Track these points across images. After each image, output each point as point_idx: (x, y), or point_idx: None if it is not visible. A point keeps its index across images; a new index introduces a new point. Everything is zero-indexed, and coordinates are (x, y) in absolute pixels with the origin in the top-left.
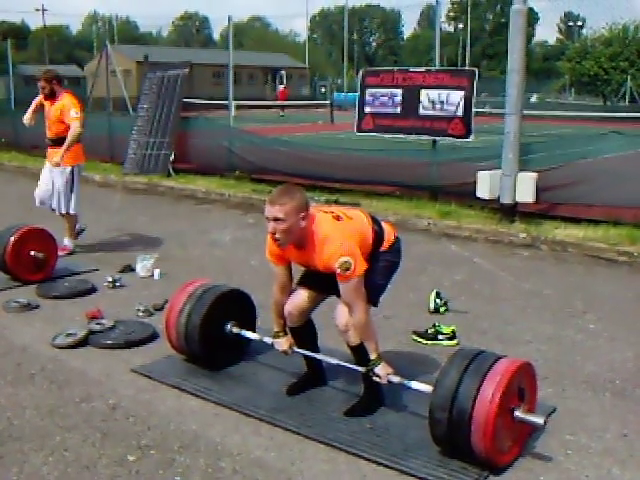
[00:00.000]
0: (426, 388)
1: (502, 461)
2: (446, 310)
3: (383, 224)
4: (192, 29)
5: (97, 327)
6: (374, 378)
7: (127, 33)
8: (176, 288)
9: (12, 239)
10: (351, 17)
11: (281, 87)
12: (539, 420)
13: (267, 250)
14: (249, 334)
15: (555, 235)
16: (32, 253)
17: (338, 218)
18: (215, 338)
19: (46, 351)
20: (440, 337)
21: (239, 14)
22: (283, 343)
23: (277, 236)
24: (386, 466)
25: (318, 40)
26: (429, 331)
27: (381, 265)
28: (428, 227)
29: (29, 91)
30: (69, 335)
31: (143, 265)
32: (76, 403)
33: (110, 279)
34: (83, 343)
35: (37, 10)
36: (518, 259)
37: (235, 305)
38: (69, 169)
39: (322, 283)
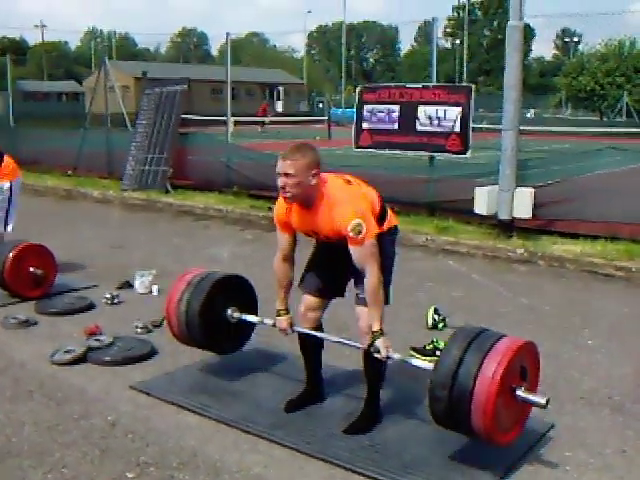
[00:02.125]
0: (427, 365)
1: (503, 440)
2: (444, 326)
3: (387, 207)
4: (190, 45)
5: (96, 344)
6: (375, 354)
7: (125, 49)
8: None
9: (11, 255)
10: (349, 33)
11: (263, 103)
12: (541, 400)
13: (275, 216)
14: (249, 317)
15: (553, 251)
16: (31, 269)
17: (349, 182)
18: (216, 323)
19: (45, 368)
20: (438, 353)
21: (237, 30)
22: (284, 321)
23: (286, 190)
24: None
25: (316, 56)
26: (427, 347)
27: (385, 255)
28: (426, 243)
29: (28, 107)
30: (68, 352)
31: (141, 281)
32: (75, 420)
33: (108, 295)
34: (82, 360)
35: (36, 26)
36: (516, 275)
37: (235, 290)
38: (7, 185)
39: (328, 282)
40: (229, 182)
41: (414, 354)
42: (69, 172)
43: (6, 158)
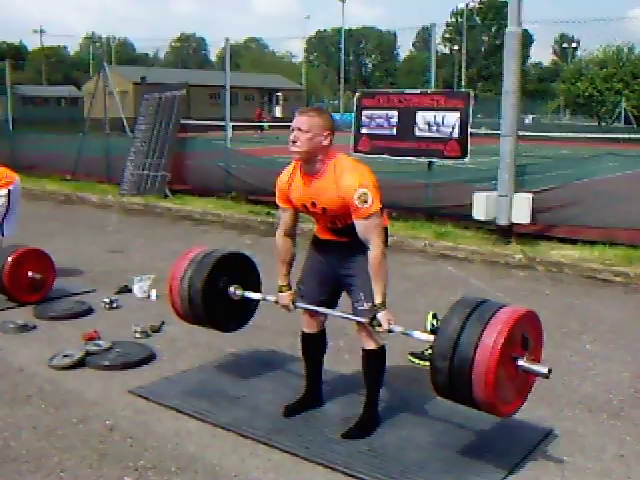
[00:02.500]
0: (428, 337)
1: (505, 411)
2: None
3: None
4: (189, 50)
5: (94, 348)
6: (377, 328)
7: (124, 54)
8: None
9: (9, 260)
10: (347, 39)
11: (258, 108)
12: (543, 369)
13: (277, 189)
14: (252, 294)
15: (551, 256)
16: (29, 274)
17: (357, 160)
18: (219, 300)
19: (43, 372)
20: None
21: (236, 36)
22: (286, 297)
23: (297, 144)
24: None
25: (314, 61)
26: (425, 352)
27: None
28: (424, 248)
29: (27, 111)
30: (66, 356)
31: (140, 286)
32: (73, 424)
33: (107, 300)
34: (80, 364)
35: (35, 31)
36: (514, 280)
37: (238, 268)
38: (4, 192)
39: (324, 294)
40: (228, 187)
41: (413, 360)
42: (68, 177)
43: (0, 168)
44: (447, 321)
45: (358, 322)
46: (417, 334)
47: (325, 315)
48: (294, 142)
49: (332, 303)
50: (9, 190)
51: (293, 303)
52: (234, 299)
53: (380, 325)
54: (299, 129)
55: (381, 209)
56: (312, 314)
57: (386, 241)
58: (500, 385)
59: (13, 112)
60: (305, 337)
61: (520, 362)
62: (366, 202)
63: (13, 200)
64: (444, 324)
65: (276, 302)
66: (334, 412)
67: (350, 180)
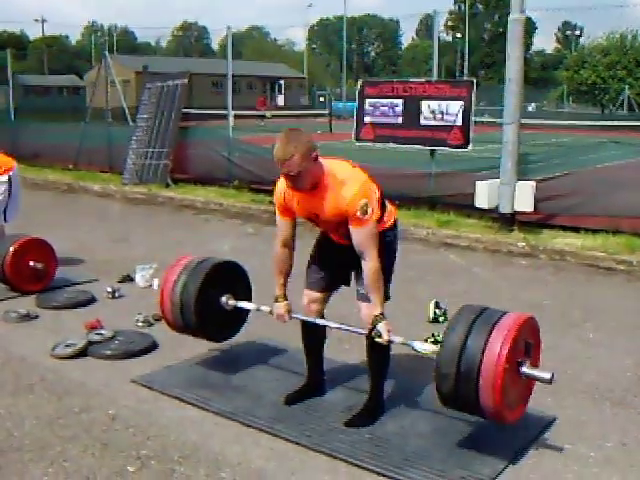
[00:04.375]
0: (431, 348)
1: (511, 418)
2: (445, 320)
3: (387, 201)
4: (191, 39)
5: (97, 337)
6: (376, 339)
7: (126, 43)
8: None
9: (12, 249)
10: (350, 27)
11: (260, 96)
12: (546, 375)
13: (275, 199)
14: (245, 304)
15: (554, 244)
16: (31, 263)
17: (353, 166)
18: (210, 309)
19: (45, 361)
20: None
21: (237, 24)
22: (281, 307)
23: (293, 186)
24: (386, 476)
25: (317, 50)
26: (428, 341)
27: (387, 248)
28: (427, 236)
29: (29, 101)
30: (68, 345)
31: (142, 275)
32: (76, 413)
33: (109, 289)
34: (83, 353)
35: (36, 20)
36: (517, 268)
37: (230, 277)
38: (4, 178)
39: (331, 277)
40: (230, 176)
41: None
42: (70, 166)
43: None
44: (452, 328)
45: (360, 310)
46: (418, 345)
47: (324, 304)
48: (292, 186)
49: (341, 280)
50: (9, 176)
51: (289, 313)
52: (226, 309)
53: (380, 336)
54: (288, 174)
55: (383, 230)
56: (310, 304)
57: (395, 228)
58: (506, 392)
59: (15, 102)
60: (305, 326)
61: (524, 368)
62: (366, 213)
63: (14, 187)
64: (449, 331)
65: (270, 313)
66: (336, 401)
67: (350, 192)
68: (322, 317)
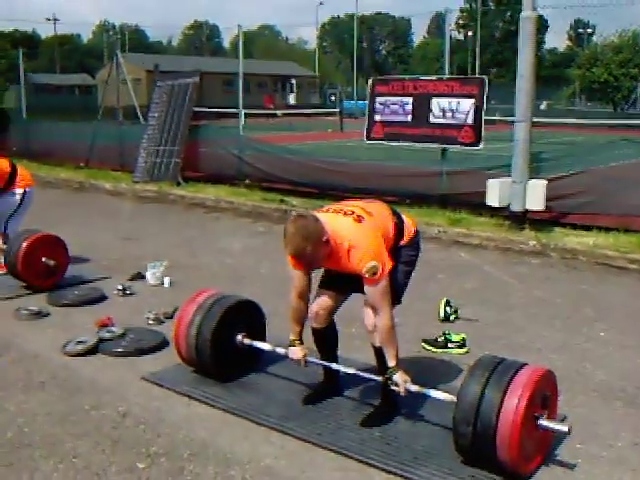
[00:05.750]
0: (446, 397)
1: (527, 470)
2: (456, 318)
3: (403, 217)
4: (202, 38)
5: (107, 335)
6: (392, 387)
7: (137, 42)
8: (186, 296)
9: (24, 245)
10: (361, 25)
11: (267, 95)
12: (563, 428)
13: (289, 256)
14: (261, 344)
15: (565, 243)
16: (43, 260)
17: (359, 219)
18: (226, 350)
19: (57, 359)
20: (450, 345)
21: (248, 23)
22: (298, 352)
23: (309, 268)
24: (396, 474)
25: (328, 48)
26: (439, 339)
27: (403, 261)
28: (438, 235)
29: (40, 100)
30: (79, 343)
31: (153, 273)
32: (86, 410)
33: (120, 287)
34: (93, 351)
35: (48, 19)
36: (528, 267)
37: (245, 316)
38: (20, 191)
39: (344, 283)
40: (241, 174)
41: (426, 346)
42: (82, 164)
43: (20, 170)
44: (467, 385)
45: (364, 318)
46: (434, 393)
47: (338, 305)
48: (306, 268)
49: (352, 289)
50: (25, 191)
51: (305, 357)
52: (240, 348)
53: (397, 385)
54: (302, 264)
55: (400, 246)
56: (321, 310)
57: (417, 246)
58: (523, 446)
59: (27, 101)
60: (315, 332)
61: (541, 421)
62: (375, 273)
63: (26, 202)
64: (464, 388)
65: (286, 356)
66: (346, 399)
67: (357, 258)
68: (332, 320)
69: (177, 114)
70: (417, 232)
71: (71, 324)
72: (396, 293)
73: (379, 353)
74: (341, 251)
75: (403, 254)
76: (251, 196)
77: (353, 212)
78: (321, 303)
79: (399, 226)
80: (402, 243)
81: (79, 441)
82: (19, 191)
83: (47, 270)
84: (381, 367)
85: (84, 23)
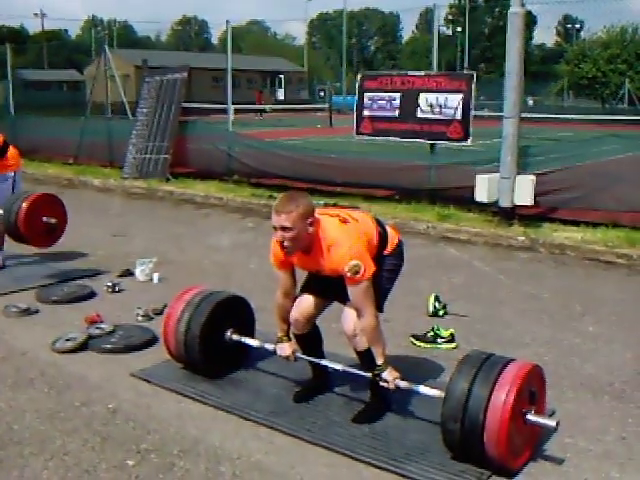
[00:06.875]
0: (435, 393)
1: (516, 464)
2: (445, 313)
3: (387, 227)
4: (190, 33)
5: (97, 331)
6: (382, 384)
7: (125, 37)
8: (175, 292)
9: (24, 205)
10: (350, 21)
11: (257, 90)
12: (551, 423)
13: (271, 255)
14: (250, 341)
15: (554, 238)
16: (44, 219)
17: (345, 221)
18: (215, 346)
19: (46, 356)
20: (439, 340)
21: (237, 18)
22: (286, 348)
23: (285, 244)
24: (386, 470)
25: (317, 44)
26: (428, 334)
27: (386, 269)
28: (427, 230)
29: (28, 96)
30: (69, 340)
31: (142, 269)
32: (76, 407)
33: (109, 283)
34: (83, 348)
35: (36, 15)
36: (517, 262)
37: (233, 312)
38: (12, 174)
39: (326, 289)
40: (230, 170)
41: (414, 341)
42: (70, 161)
43: (11, 148)
44: (454, 381)
45: (343, 325)
46: (423, 389)
47: (318, 312)
48: (281, 243)
49: (334, 297)
50: (14, 174)
51: (294, 353)
52: (229, 344)
53: (386, 382)
54: (282, 228)
55: (384, 255)
56: (301, 317)
57: (400, 256)
58: (511, 441)
59: (15, 96)
60: (296, 337)
61: (529, 416)
62: (358, 272)
63: (17, 183)
64: (451, 384)
65: (274, 352)
66: (336, 395)
67: (339, 255)
68: (313, 325)
69: (166, 110)
70: (400, 242)
71: (60, 321)
72: (379, 300)
73: (363, 357)
74: (323, 249)
75: (386, 262)
76: (240, 192)
77: (338, 215)
78: (301, 310)
79: (383, 235)
80: (385, 252)
81: (69, 438)
82: (10, 174)
83: (48, 229)
84: (367, 368)
85: (72, 19)
